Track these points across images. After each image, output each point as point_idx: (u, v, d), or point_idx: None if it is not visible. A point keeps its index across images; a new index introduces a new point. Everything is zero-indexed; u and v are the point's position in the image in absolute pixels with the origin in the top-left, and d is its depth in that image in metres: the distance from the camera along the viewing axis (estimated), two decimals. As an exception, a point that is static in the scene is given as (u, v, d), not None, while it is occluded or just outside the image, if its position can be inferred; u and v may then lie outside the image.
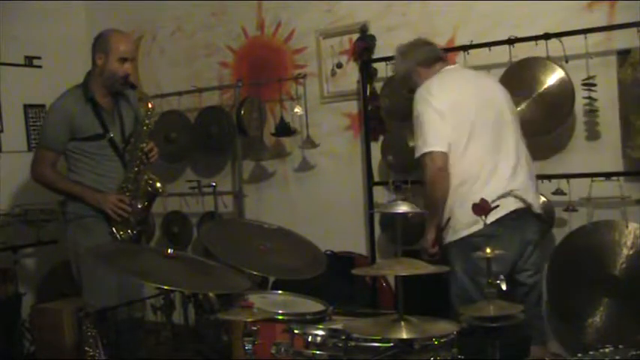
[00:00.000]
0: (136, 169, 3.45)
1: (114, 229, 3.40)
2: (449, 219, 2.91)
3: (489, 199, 2.61)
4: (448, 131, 2.87)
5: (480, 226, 2.66)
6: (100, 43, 3.42)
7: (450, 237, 2.90)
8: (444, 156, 2.86)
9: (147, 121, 3.47)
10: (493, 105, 2.98)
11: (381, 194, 3.90)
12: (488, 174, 2.86)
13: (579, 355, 1.85)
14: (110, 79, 3.40)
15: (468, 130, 2.88)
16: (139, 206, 3.46)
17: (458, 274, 2.87)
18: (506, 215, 2.78)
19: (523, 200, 2.88)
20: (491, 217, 2.62)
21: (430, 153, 2.87)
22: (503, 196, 2.76)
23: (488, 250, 2.12)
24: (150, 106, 3.48)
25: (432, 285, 2.96)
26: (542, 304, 3.12)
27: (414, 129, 2.97)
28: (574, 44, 3.23)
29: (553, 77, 3.27)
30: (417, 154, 2.92)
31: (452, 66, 3.19)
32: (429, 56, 3.14)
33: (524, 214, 2.89)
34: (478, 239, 2.71)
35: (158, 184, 3.46)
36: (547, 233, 3.28)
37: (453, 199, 2.88)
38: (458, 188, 2.87)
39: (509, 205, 2.82)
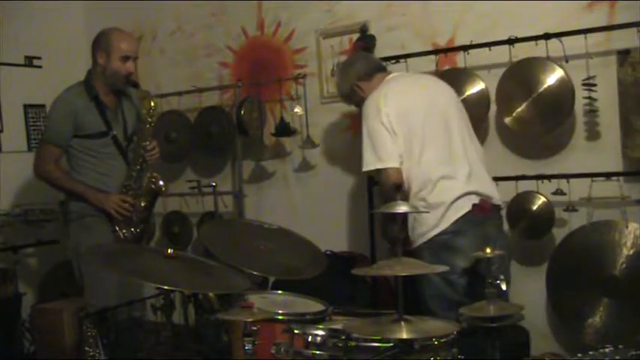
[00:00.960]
0: (139, 167, 3.46)
1: (117, 227, 3.41)
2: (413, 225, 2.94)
3: (451, 199, 2.83)
4: (398, 144, 2.91)
5: (445, 224, 2.85)
6: (102, 42, 3.42)
7: (419, 240, 2.92)
8: (398, 172, 2.92)
9: (149, 119, 3.47)
10: (439, 107, 3.02)
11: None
12: (446, 175, 2.91)
13: (579, 355, 1.85)
14: (112, 77, 3.41)
15: (420, 135, 2.93)
16: (142, 204, 3.46)
17: (430, 276, 2.87)
18: (469, 211, 2.86)
19: (484, 195, 2.94)
20: (456, 215, 2.84)
21: (384, 170, 2.93)
22: (464, 195, 2.87)
23: (488, 250, 2.12)
24: (152, 104, 3.48)
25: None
26: (509, 295, 3.15)
27: (363, 142, 3.00)
28: (574, 44, 3.23)
29: (553, 77, 3.26)
30: (368, 168, 2.97)
31: (394, 74, 3.22)
32: (367, 68, 3.20)
33: None
34: (445, 237, 2.85)
35: (161, 183, 3.46)
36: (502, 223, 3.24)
37: (416, 204, 2.89)
38: (419, 193, 2.92)
39: (471, 201, 2.88)
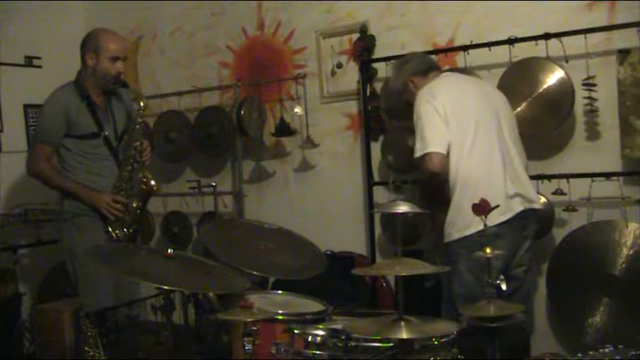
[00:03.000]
0: (130, 167, 3.46)
1: (110, 228, 3.40)
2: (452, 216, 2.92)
3: (498, 200, 2.67)
4: (448, 132, 2.88)
5: (490, 223, 2.71)
6: (90, 43, 3.42)
7: (455, 234, 2.89)
8: (441, 157, 2.88)
9: (139, 119, 3.47)
10: (493, 106, 3.02)
11: (381, 194, 3.90)
12: (495, 173, 2.89)
13: (579, 355, 1.85)
14: (102, 78, 3.41)
15: (473, 128, 2.91)
16: (134, 205, 3.46)
17: (462, 272, 2.86)
18: (515, 216, 2.85)
19: (528, 200, 2.94)
20: (499, 218, 2.77)
21: (428, 154, 2.88)
22: (511, 197, 2.85)
23: (488, 250, 2.12)
24: (142, 104, 3.48)
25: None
26: (531, 298, 3.17)
27: (415, 130, 2.98)
28: (574, 44, 3.23)
29: (553, 77, 3.26)
30: (417, 155, 2.94)
31: (448, 72, 3.25)
32: (424, 66, 3.20)
33: (527, 212, 2.94)
34: (484, 238, 2.72)
35: (152, 183, 3.46)
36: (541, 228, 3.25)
37: (461, 197, 2.88)
38: (466, 186, 2.88)
39: (516, 206, 2.88)
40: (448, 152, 2.90)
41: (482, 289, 2.71)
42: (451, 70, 3.54)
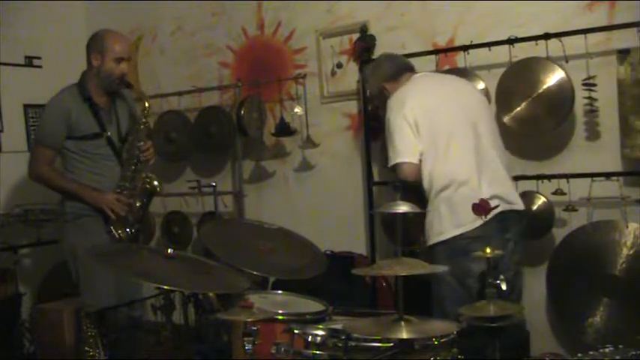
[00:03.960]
0: (133, 167, 3.46)
1: (112, 227, 3.41)
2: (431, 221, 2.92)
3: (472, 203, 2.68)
4: (419, 139, 2.89)
5: (466, 228, 2.77)
6: (96, 44, 3.43)
7: (435, 238, 2.89)
8: (412, 166, 2.90)
9: (143, 120, 3.48)
10: (467, 107, 3.01)
11: (381, 194, 3.90)
12: (472, 176, 2.87)
13: (579, 355, 1.85)
14: (107, 79, 3.42)
15: (447, 132, 2.90)
16: (137, 205, 3.46)
17: (445, 276, 2.85)
18: (493, 217, 2.78)
19: (507, 201, 2.91)
20: (477, 222, 2.71)
21: (399, 164, 2.92)
22: (489, 198, 2.77)
23: (488, 250, 2.12)
24: (146, 104, 3.49)
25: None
26: (522, 300, 3.14)
27: (386, 138, 2.99)
28: (574, 44, 3.23)
29: (553, 77, 3.26)
30: (389, 164, 2.98)
31: (421, 73, 3.21)
32: (394, 69, 3.18)
33: (507, 214, 2.90)
34: (464, 242, 2.77)
35: (155, 183, 3.46)
36: (526, 228, 3.20)
37: (438, 201, 2.88)
38: (442, 190, 2.88)
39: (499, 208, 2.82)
40: (422, 158, 2.91)
41: (467, 293, 2.80)
42: (450, 69, 3.55)
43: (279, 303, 2.59)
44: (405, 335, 1.86)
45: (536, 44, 3.29)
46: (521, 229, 3.03)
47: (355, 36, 3.96)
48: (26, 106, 4.64)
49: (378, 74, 3.22)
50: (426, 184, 2.92)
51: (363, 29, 3.92)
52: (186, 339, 2.75)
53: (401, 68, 3.19)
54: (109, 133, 3.45)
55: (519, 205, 2.99)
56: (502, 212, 2.82)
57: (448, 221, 2.84)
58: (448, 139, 2.89)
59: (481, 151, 2.93)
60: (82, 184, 3.40)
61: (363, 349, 2.10)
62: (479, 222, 2.74)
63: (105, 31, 3.48)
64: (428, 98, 2.97)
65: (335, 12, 4.07)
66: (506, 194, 2.91)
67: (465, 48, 3.50)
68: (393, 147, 2.94)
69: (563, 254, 3.30)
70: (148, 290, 2.96)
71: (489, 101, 3.44)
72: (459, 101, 3.01)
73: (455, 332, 2.04)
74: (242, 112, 4.21)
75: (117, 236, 3.40)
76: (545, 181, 3.31)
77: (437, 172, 2.88)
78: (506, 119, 3.38)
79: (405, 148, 2.90)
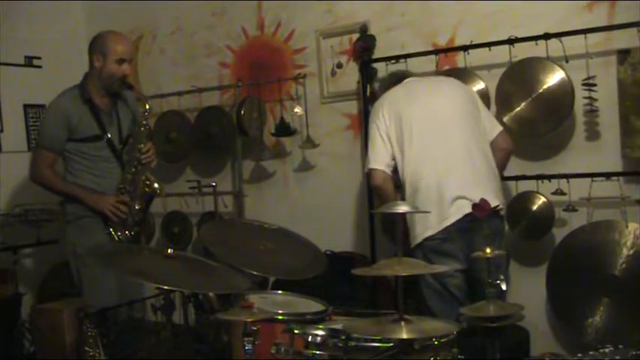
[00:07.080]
0: (134, 169, 3.46)
1: (111, 229, 3.41)
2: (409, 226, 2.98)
3: (436, 205, 2.84)
4: (389, 148, 3.00)
5: (434, 230, 2.87)
6: (98, 45, 3.43)
7: (413, 241, 2.95)
8: (380, 173, 3.01)
9: (144, 122, 3.48)
10: (439, 112, 3.01)
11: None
12: (439, 182, 2.89)
13: (579, 355, 1.85)
14: (108, 80, 3.41)
15: (414, 138, 2.95)
16: (137, 207, 3.46)
17: (427, 277, 2.92)
18: (461, 218, 2.86)
19: (473, 201, 2.88)
20: (446, 222, 2.85)
21: (370, 170, 3.04)
22: (455, 201, 2.86)
23: (488, 250, 2.12)
24: (146, 107, 3.49)
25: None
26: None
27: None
28: (574, 44, 3.23)
29: (553, 77, 3.26)
30: (365, 169, 3.12)
31: (407, 79, 3.21)
32: (385, 86, 3.26)
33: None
34: (434, 242, 2.88)
35: (156, 185, 3.47)
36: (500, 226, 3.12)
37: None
38: (412, 196, 2.93)
39: (464, 209, 2.82)
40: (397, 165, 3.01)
41: (446, 291, 2.88)
42: (450, 69, 3.54)
43: (279, 303, 2.59)
44: (405, 335, 1.86)
45: (536, 44, 3.29)
46: (496, 225, 2.96)
47: (355, 36, 3.96)
48: (26, 106, 4.63)
49: (380, 92, 3.29)
50: (402, 188, 3.02)
51: (363, 29, 3.92)
52: (186, 339, 2.76)
53: (392, 82, 3.24)
54: (109, 135, 3.45)
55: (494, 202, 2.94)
56: (469, 214, 2.76)
57: (420, 224, 2.91)
58: (416, 148, 2.95)
59: (450, 154, 2.94)
60: (83, 187, 3.40)
61: (363, 349, 2.10)
62: (445, 223, 2.85)
63: (107, 32, 3.48)
64: (398, 105, 3.04)
65: (335, 12, 4.07)
66: (473, 196, 2.80)
67: (465, 48, 3.50)
68: (367, 154, 3.09)
69: (563, 254, 3.30)
70: (149, 290, 2.96)
71: (489, 101, 3.45)
72: (430, 106, 3.03)
73: (455, 332, 2.04)
74: (242, 112, 4.21)
75: (116, 238, 3.40)
76: (545, 181, 3.31)
77: (407, 177, 2.97)
78: (506, 119, 3.38)
79: (375, 155, 3.04)
